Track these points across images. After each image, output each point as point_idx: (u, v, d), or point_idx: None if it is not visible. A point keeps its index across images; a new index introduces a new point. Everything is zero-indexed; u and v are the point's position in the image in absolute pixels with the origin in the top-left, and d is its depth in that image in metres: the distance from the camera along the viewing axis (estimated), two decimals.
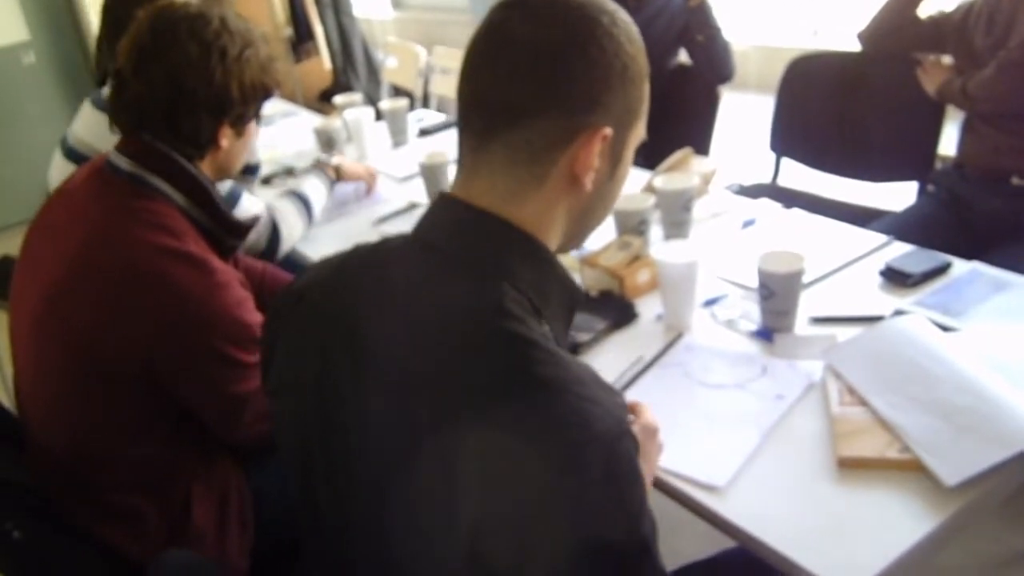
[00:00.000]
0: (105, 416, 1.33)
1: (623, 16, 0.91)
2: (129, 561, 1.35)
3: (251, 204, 1.96)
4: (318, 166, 2.23)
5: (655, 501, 1.15)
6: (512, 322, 0.80)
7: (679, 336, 1.49)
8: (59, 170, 2.05)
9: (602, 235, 1.74)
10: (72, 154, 2.06)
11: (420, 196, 2.23)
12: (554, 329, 0.88)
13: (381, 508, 0.83)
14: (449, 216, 0.90)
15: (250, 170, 2.14)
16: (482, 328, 0.80)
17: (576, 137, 0.87)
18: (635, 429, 1.07)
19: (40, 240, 1.41)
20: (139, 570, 1.30)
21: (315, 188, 2.15)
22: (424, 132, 2.79)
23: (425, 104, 3.84)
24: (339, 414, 0.87)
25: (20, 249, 1.43)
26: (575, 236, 0.97)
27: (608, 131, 0.88)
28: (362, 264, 0.93)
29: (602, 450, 0.73)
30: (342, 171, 2.26)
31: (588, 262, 1.67)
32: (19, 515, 1.24)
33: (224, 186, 1.88)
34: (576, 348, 1.45)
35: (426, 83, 3.92)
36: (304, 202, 2.08)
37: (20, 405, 1.44)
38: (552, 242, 0.92)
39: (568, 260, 1.77)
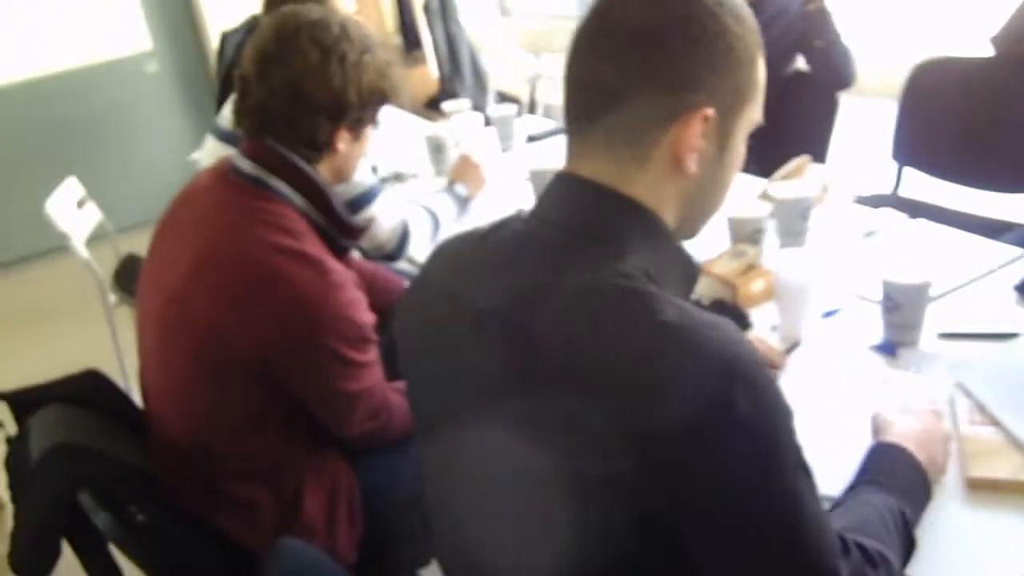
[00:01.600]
0: (224, 409, 1.38)
1: None
2: (242, 549, 1.39)
3: (386, 206, 1.99)
4: (451, 190, 2.26)
5: None
6: (632, 281, 0.81)
7: (794, 345, 1.45)
8: (212, 152, 2.15)
9: (716, 244, 1.72)
10: (226, 136, 2.14)
11: (529, 202, 2.23)
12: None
13: (515, 463, 0.84)
14: (568, 193, 0.91)
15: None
16: (603, 290, 0.81)
17: (677, 118, 0.86)
18: (922, 419, 1.14)
19: (167, 239, 1.46)
20: (251, 559, 1.34)
21: (446, 207, 2.19)
22: (532, 138, 2.80)
23: (531, 111, 3.85)
24: (467, 386, 0.89)
25: (148, 248, 1.49)
26: (687, 223, 0.95)
27: (710, 112, 0.86)
28: (483, 242, 0.95)
29: (744, 384, 0.75)
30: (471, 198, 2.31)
31: (701, 270, 1.63)
32: (143, 500, 1.29)
33: (364, 184, 1.92)
34: None
35: (533, 90, 3.93)
36: (435, 218, 2.13)
37: (145, 397, 1.50)
38: (667, 221, 0.91)
39: None
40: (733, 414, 0.74)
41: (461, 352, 0.90)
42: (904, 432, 1.10)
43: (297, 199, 1.39)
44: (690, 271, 0.95)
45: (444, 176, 2.45)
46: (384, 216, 1.98)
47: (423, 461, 1.02)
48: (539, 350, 0.82)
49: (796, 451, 0.80)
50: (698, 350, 0.76)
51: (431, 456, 1.00)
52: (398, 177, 2.63)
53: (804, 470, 0.81)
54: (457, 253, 0.98)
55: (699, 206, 0.95)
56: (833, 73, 2.56)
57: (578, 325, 0.80)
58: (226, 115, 2.23)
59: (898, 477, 1.03)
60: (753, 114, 0.94)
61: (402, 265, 2.10)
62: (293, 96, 1.37)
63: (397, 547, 1.52)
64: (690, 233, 0.97)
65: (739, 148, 0.94)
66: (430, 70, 5.64)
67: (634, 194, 0.88)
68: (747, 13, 0.90)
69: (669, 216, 0.91)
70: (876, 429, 1.15)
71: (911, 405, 1.16)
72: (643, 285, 0.81)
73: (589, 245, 0.86)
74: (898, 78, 2.58)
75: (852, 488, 1.04)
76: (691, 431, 0.73)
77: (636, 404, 0.74)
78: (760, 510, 0.77)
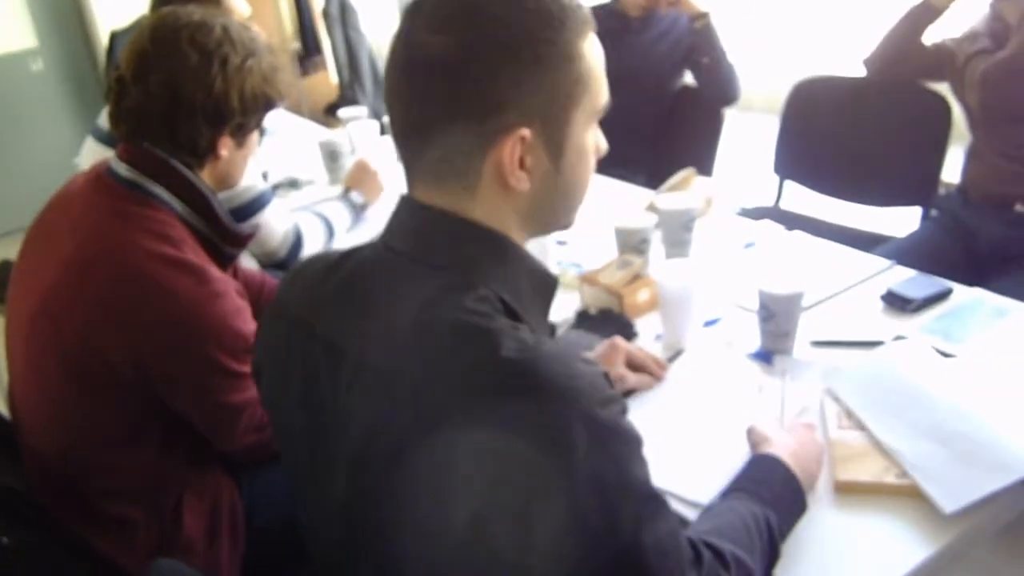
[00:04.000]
0: (97, 422, 1.33)
1: None
2: (119, 570, 1.34)
3: (277, 212, 1.96)
4: (346, 198, 2.24)
5: None
6: (476, 317, 0.80)
7: (677, 353, 1.49)
8: (92, 154, 2.07)
9: (603, 253, 1.76)
10: (107, 138, 2.07)
11: None
12: (532, 320, 0.88)
13: (374, 510, 0.83)
14: (412, 220, 0.90)
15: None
16: (445, 326, 0.80)
17: (491, 144, 0.83)
18: (796, 431, 1.17)
19: (38, 244, 1.40)
20: None
21: (340, 215, 2.17)
22: None
23: None
24: (324, 422, 0.88)
25: (18, 254, 1.43)
26: (547, 224, 0.94)
27: (525, 132, 0.83)
28: (334, 270, 0.93)
29: (585, 422, 0.74)
30: (367, 205, 2.29)
31: (588, 280, 1.66)
32: (9, 521, 1.23)
33: (255, 189, 1.88)
34: None
35: None
36: (328, 225, 2.11)
37: (14, 410, 1.43)
38: (516, 236, 0.90)
39: (567, 278, 1.76)
40: (575, 453, 0.73)
41: (318, 387, 0.88)
42: (780, 444, 1.13)
43: (177, 205, 1.35)
44: (545, 284, 0.93)
45: (339, 183, 2.43)
46: (276, 222, 1.95)
47: (290, 484, 1.01)
48: (388, 389, 0.81)
49: (641, 481, 0.79)
50: (537, 387, 0.75)
51: (296, 483, 0.99)
52: (293, 184, 2.58)
53: (650, 497, 0.80)
54: (310, 281, 0.95)
55: (553, 210, 0.93)
56: (719, 89, 2.65)
57: (422, 364, 0.79)
58: (107, 115, 2.15)
59: (768, 486, 1.05)
60: (592, 104, 0.89)
61: None
62: (171, 100, 1.33)
63: (283, 566, 1.49)
64: (562, 225, 0.96)
65: (581, 146, 0.90)
66: (330, 76, 5.58)
67: (475, 217, 0.87)
68: (565, 9, 0.85)
69: (517, 231, 0.90)
70: (753, 443, 1.18)
71: (786, 419, 1.20)
72: (485, 320, 0.80)
73: (435, 275, 0.84)
74: (780, 95, 2.68)
75: (723, 495, 1.07)
76: (532, 471, 0.73)
77: (484, 446, 0.73)
78: (606, 544, 0.76)
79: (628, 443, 0.79)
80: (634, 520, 0.77)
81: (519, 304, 0.86)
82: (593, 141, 0.93)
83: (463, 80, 0.81)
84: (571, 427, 0.73)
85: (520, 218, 0.89)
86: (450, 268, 0.85)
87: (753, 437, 1.18)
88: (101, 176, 1.37)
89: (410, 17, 0.85)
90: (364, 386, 0.83)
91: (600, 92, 0.90)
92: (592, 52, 0.88)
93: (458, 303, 0.81)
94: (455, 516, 0.74)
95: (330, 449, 0.88)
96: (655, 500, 0.81)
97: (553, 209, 0.93)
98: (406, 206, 0.90)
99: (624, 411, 0.81)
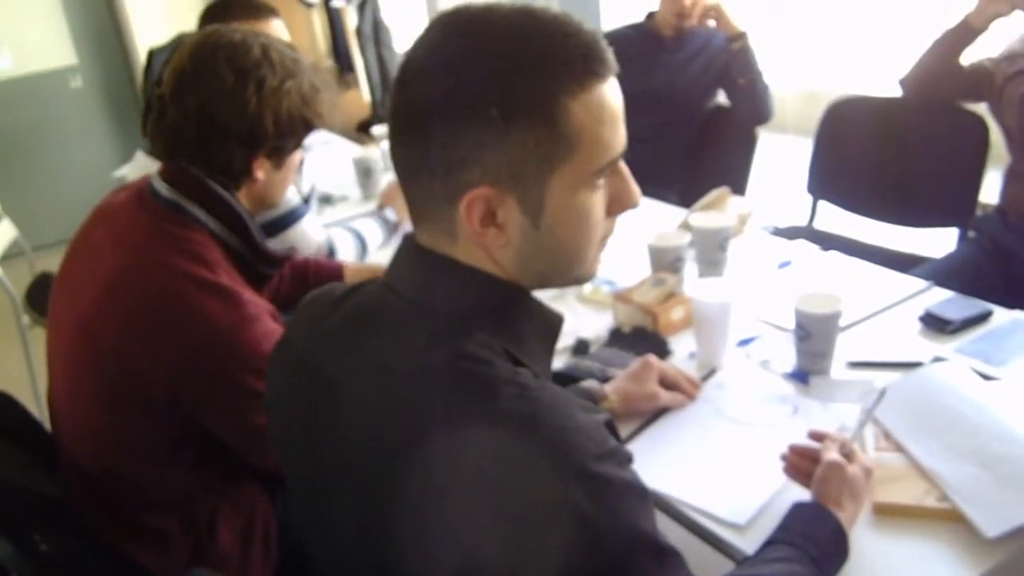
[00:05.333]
0: (134, 436, 1.34)
1: (515, 47, 0.79)
2: None
3: (312, 227, 1.98)
4: (379, 214, 2.26)
5: (677, 535, 1.15)
6: (476, 364, 0.79)
7: (711, 372, 1.48)
8: (142, 167, 2.10)
9: (636, 271, 1.75)
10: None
11: None
12: (535, 364, 0.87)
13: (373, 551, 0.83)
14: (411, 262, 0.89)
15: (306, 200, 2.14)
16: (445, 374, 0.79)
17: (456, 200, 0.80)
18: (853, 470, 1.08)
19: (80, 258, 1.42)
20: None
21: (373, 231, 2.18)
22: None
23: None
24: (324, 461, 0.88)
25: (60, 266, 1.44)
26: (542, 281, 0.90)
27: (486, 191, 0.80)
28: (337, 308, 0.93)
29: (579, 476, 0.73)
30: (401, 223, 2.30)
31: (621, 298, 1.66)
32: (48, 528, 1.25)
33: (289, 203, 1.90)
34: (607, 382, 1.43)
35: None
36: (361, 241, 2.12)
37: (54, 421, 1.45)
38: (518, 279, 0.88)
39: (601, 296, 1.76)
40: (568, 507, 0.72)
41: (318, 425, 0.89)
42: (845, 514, 1.06)
43: (214, 225, 1.34)
44: (548, 326, 0.92)
45: (372, 199, 2.45)
46: (310, 236, 1.96)
47: (300, 519, 1.01)
48: (384, 431, 0.80)
49: (643, 533, 0.77)
50: (532, 439, 0.74)
51: (304, 510, 0.99)
52: (327, 200, 2.61)
53: (655, 549, 0.78)
54: (314, 316, 0.95)
55: (542, 267, 0.87)
56: (753, 108, 2.65)
57: (417, 409, 0.79)
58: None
59: (816, 542, 1.01)
60: (587, 165, 0.82)
61: None
62: (204, 121, 1.31)
63: None
64: (566, 282, 0.92)
65: (570, 206, 0.83)
66: (363, 94, 5.62)
67: (469, 261, 0.85)
68: (553, 60, 0.79)
69: (515, 276, 0.87)
70: (819, 491, 1.10)
71: (854, 483, 1.09)
72: (484, 367, 0.79)
73: (434, 320, 0.84)
74: (813, 115, 2.67)
75: (768, 543, 1.03)
76: (524, 526, 0.72)
77: (477, 494, 0.73)
78: None
79: (627, 496, 0.77)
80: (638, 572, 0.76)
81: (519, 348, 0.85)
82: (598, 199, 0.85)
83: (431, 133, 0.80)
84: (565, 481, 0.72)
85: (508, 271, 0.86)
86: (448, 313, 0.84)
87: (821, 487, 1.08)
88: (143, 193, 1.37)
89: (407, 59, 0.83)
90: (360, 426, 0.83)
91: (598, 152, 0.82)
92: (589, 110, 0.80)
93: (457, 349, 0.80)
94: (445, 563, 0.74)
95: (331, 489, 0.88)
96: (660, 551, 0.79)
97: (542, 266, 0.87)
98: (407, 247, 0.89)
99: (628, 460, 0.79)
